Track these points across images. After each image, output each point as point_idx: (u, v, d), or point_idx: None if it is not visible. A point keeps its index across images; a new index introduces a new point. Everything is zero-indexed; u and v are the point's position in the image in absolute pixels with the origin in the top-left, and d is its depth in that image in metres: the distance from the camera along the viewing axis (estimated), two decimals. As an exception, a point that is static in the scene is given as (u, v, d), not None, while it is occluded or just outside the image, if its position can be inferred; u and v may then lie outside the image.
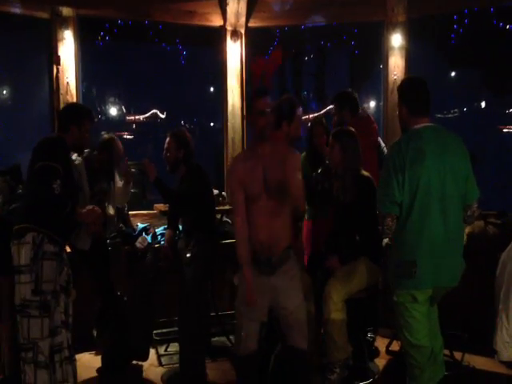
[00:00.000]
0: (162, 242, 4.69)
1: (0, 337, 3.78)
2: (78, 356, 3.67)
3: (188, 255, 4.06)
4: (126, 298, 4.32)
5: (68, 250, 3.68)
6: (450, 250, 3.13)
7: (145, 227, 5.03)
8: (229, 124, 5.80)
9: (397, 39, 5.53)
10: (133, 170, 4.28)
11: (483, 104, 21.62)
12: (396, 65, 5.58)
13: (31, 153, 3.35)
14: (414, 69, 5.68)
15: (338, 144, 3.85)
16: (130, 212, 5.03)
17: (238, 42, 5.74)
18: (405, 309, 3.16)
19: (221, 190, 5.32)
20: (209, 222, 4.25)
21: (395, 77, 5.51)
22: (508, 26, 6.29)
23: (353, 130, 3.92)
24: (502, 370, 4.23)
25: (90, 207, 3.47)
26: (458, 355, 4.26)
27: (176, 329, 4.42)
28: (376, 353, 4.43)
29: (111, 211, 4.14)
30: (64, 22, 5.15)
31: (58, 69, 5.17)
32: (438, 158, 3.08)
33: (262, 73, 3.25)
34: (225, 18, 5.69)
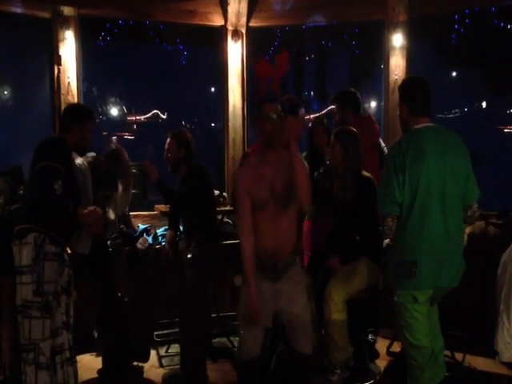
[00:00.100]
0: (163, 243, 4.69)
1: (1, 337, 3.78)
2: (78, 357, 3.67)
3: (189, 256, 4.05)
4: (126, 299, 4.32)
5: (69, 251, 3.68)
6: (451, 250, 3.13)
7: (146, 228, 5.02)
8: (230, 124, 5.79)
9: (398, 39, 5.52)
10: (134, 170, 4.27)
11: (484, 104, 21.61)
12: (397, 64, 5.57)
13: (33, 153, 3.35)
14: (415, 69, 5.68)
15: (339, 143, 3.84)
16: (131, 213, 5.03)
17: (239, 42, 5.73)
18: (405, 309, 3.15)
19: (222, 191, 5.32)
20: (210, 222, 4.25)
21: (396, 77, 5.50)
22: (509, 26, 6.28)
23: (354, 130, 3.91)
24: (503, 370, 4.22)
25: (92, 208, 3.47)
26: (458, 356, 4.26)
27: (177, 330, 4.43)
28: (377, 354, 4.43)
29: (112, 216, 4.14)
30: (65, 22, 5.15)
31: (59, 69, 5.17)
32: (438, 158, 3.08)
33: (269, 79, 3.23)
34: (226, 18, 5.68)
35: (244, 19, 5.69)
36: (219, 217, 4.89)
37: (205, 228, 4.15)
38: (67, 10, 5.16)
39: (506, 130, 20.64)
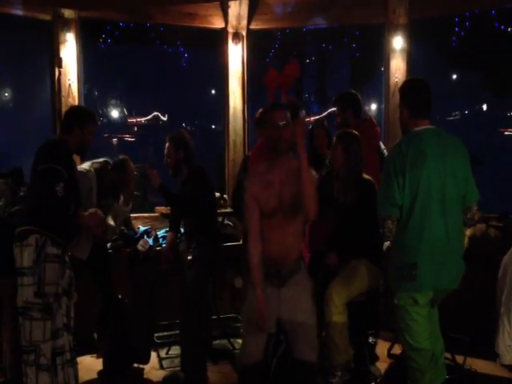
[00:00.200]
0: (164, 245, 4.69)
1: (2, 339, 3.78)
2: (79, 359, 3.66)
3: (189, 257, 4.05)
4: (127, 301, 4.31)
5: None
6: (451, 252, 3.13)
7: (146, 230, 5.03)
8: (230, 126, 5.80)
9: (398, 41, 5.53)
10: (135, 172, 4.28)
11: (484, 106, 21.63)
12: (397, 67, 5.58)
13: (34, 155, 3.35)
14: (416, 71, 5.68)
15: (341, 145, 3.85)
16: (132, 214, 5.03)
17: (240, 45, 5.74)
18: (405, 312, 3.15)
19: (222, 193, 5.32)
20: (210, 224, 4.25)
21: (396, 79, 5.51)
22: (509, 29, 6.29)
23: (357, 132, 3.91)
24: (504, 373, 4.21)
25: (93, 210, 3.47)
26: (459, 358, 4.24)
27: (177, 332, 4.43)
28: (376, 357, 4.42)
29: (111, 222, 4.14)
30: (66, 24, 5.16)
31: (59, 71, 5.18)
32: (438, 161, 3.08)
33: (277, 87, 3.23)
34: (226, 21, 5.69)
35: (244, 22, 5.70)
36: (220, 219, 4.90)
37: (205, 230, 4.16)
38: (68, 13, 5.17)
39: (506, 133, 20.65)
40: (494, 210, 5.18)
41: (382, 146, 4.64)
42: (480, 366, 4.28)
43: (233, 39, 5.72)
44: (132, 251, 4.74)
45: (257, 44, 6.02)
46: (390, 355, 4.44)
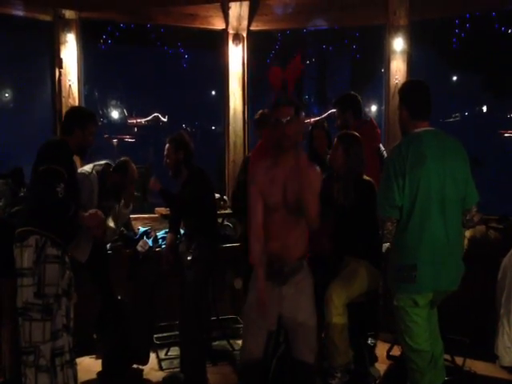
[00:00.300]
0: (163, 246, 4.69)
1: (1, 340, 3.78)
2: (78, 360, 3.66)
3: (189, 258, 4.05)
4: (126, 302, 4.31)
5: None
6: (450, 253, 3.13)
7: (146, 231, 5.03)
8: (230, 128, 5.80)
9: (398, 43, 5.53)
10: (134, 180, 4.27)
11: (484, 108, 21.65)
12: (398, 69, 5.58)
13: (34, 156, 3.35)
14: (416, 73, 5.68)
15: (341, 146, 3.84)
16: (132, 215, 5.03)
17: (240, 46, 5.74)
18: (405, 313, 3.15)
19: (222, 194, 5.32)
20: (210, 225, 4.25)
21: (397, 81, 5.51)
22: (509, 30, 6.30)
23: (357, 134, 3.91)
24: (504, 375, 4.21)
25: (93, 211, 3.48)
26: (459, 360, 4.24)
27: (176, 333, 4.42)
28: (376, 358, 4.42)
29: (111, 224, 4.14)
30: (66, 25, 5.16)
31: (60, 72, 5.18)
32: (438, 162, 3.08)
33: (283, 82, 3.22)
34: (227, 22, 5.70)
35: (245, 23, 5.70)
36: (219, 220, 4.90)
37: (205, 231, 4.16)
38: (69, 13, 5.17)
39: (506, 135, 20.66)
40: (493, 211, 5.18)
41: (382, 148, 4.64)
42: (479, 367, 4.27)
43: (233, 40, 5.72)
44: (131, 252, 4.75)
45: (257, 45, 6.03)
46: (389, 357, 4.44)
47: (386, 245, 3.74)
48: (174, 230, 4.44)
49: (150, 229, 5.11)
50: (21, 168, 4.28)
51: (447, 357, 3.90)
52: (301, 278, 3.10)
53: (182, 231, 4.51)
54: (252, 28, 5.78)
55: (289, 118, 3.00)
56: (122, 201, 4.19)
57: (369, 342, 4.38)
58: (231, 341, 4.75)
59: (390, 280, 3.26)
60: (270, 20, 5.83)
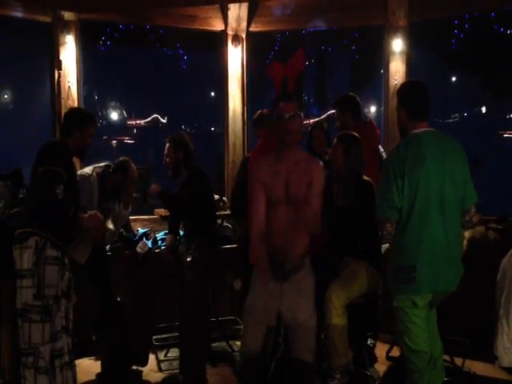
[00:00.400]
0: (163, 247, 4.69)
1: (0, 341, 3.77)
2: (77, 361, 3.65)
3: (188, 259, 4.05)
4: (126, 303, 4.31)
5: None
6: (450, 254, 3.13)
7: (145, 232, 5.03)
8: (230, 129, 5.80)
9: (398, 44, 5.53)
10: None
11: (484, 109, 21.66)
12: (397, 69, 5.58)
13: (34, 157, 3.35)
14: (415, 73, 5.69)
15: (341, 146, 3.85)
16: (131, 217, 5.03)
17: (239, 47, 5.75)
18: (404, 314, 3.15)
19: (222, 195, 5.32)
20: (209, 226, 4.25)
21: (396, 81, 5.51)
22: (509, 31, 6.30)
23: (357, 134, 3.91)
24: (503, 375, 4.22)
25: (93, 213, 3.48)
26: (458, 361, 4.24)
27: (176, 334, 4.42)
28: (375, 358, 4.42)
29: (110, 226, 4.14)
30: (66, 27, 5.16)
31: (59, 73, 5.18)
32: (437, 163, 3.08)
33: (284, 79, 3.22)
34: (226, 23, 5.70)
35: (244, 24, 5.71)
36: (219, 221, 4.90)
37: (204, 232, 4.15)
38: (68, 15, 5.17)
39: (505, 135, 20.67)
40: (493, 212, 5.18)
41: (381, 149, 4.64)
42: (479, 368, 4.28)
43: (232, 41, 5.72)
44: (131, 253, 4.75)
45: (256, 46, 6.03)
46: (388, 357, 4.44)
47: (386, 245, 3.74)
48: (173, 231, 4.44)
49: (149, 230, 5.11)
50: (20, 169, 4.28)
51: (446, 357, 3.90)
52: (302, 277, 3.11)
53: (181, 232, 4.50)
54: (251, 29, 5.78)
55: (291, 113, 3.02)
56: (121, 203, 4.19)
57: (368, 342, 4.38)
58: (231, 342, 4.75)
59: (389, 281, 3.27)
60: (269, 21, 5.83)
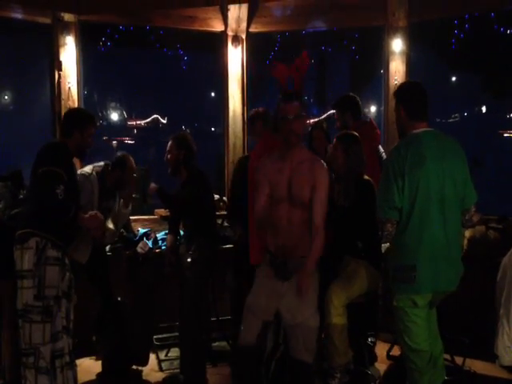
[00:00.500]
0: (163, 247, 4.69)
1: (1, 341, 3.78)
2: (78, 361, 3.65)
3: (189, 260, 4.06)
4: (126, 303, 4.31)
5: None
6: (450, 254, 3.13)
7: (146, 232, 5.03)
8: (230, 129, 5.80)
9: (398, 44, 5.54)
10: (134, 174, 4.27)
11: (484, 109, 21.65)
12: (397, 69, 5.58)
13: (34, 158, 3.36)
14: (415, 73, 5.69)
15: (340, 146, 3.85)
16: (131, 217, 5.03)
17: (239, 48, 5.75)
18: (404, 313, 3.15)
19: (222, 195, 5.33)
20: (209, 226, 4.26)
21: (396, 82, 5.51)
22: (508, 31, 6.31)
23: (357, 134, 3.92)
24: (503, 374, 4.22)
25: (93, 213, 3.49)
26: (458, 360, 4.24)
27: (176, 334, 4.43)
28: (375, 357, 4.43)
29: (110, 225, 4.14)
30: (66, 28, 5.16)
31: (59, 74, 5.18)
32: (437, 163, 3.08)
33: (289, 79, 3.25)
34: (226, 24, 5.69)
35: (244, 25, 5.71)
36: (219, 221, 4.90)
37: (204, 232, 4.16)
38: (68, 16, 5.17)
39: (505, 135, 20.66)
40: (493, 211, 5.18)
41: (381, 150, 4.65)
42: (479, 367, 4.28)
43: (232, 42, 5.72)
44: (131, 253, 4.75)
45: (256, 47, 6.03)
46: (389, 357, 4.44)
47: (386, 245, 3.75)
48: (173, 231, 4.45)
49: (149, 230, 5.10)
50: (20, 170, 4.28)
51: (447, 356, 3.90)
52: None
53: (181, 232, 4.51)
54: (251, 30, 5.78)
55: (296, 114, 3.03)
56: (122, 201, 4.19)
57: (368, 341, 4.39)
58: (231, 342, 4.75)
59: (389, 280, 3.27)
60: (268, 22, 5.83)
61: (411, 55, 5.67)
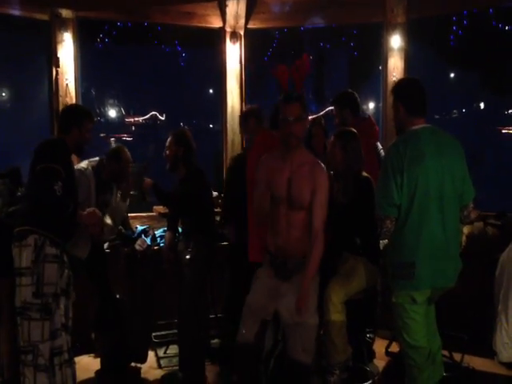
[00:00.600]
0: (162, 244, 4.69)
1: (0, 339, 3.77)
2: (77, 358, 3.65)
3: (187, 257, 4.06)
4: (125, 300, 4.31)
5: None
6: (448, 250, 3.13)
7: (144, 229, 5.02)
8: (228, 126, 5.79)
9: (396, 40, 5.53)
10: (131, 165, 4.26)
11: (482, 105, 21.65)
12: (395, 66, 5.57)
13: (32, 155, 3.35)
14: (414, 70, 5.68)
15: (339, 143, 3.84)
16: (130, 214, 5.03)
17: (238, 44, 5.73)
18: (403, 310, 3.15)
19: (220, 192, 5.31)
20: (208, 224, 4.26)
21: (394, 78, 5.49)
22: (507, 27, 6.31)
23: (355, 130, 3.91)
24: (502, 370, 4.23)
25: (91, 210, 3.48)
26: (457, 356, 4.25)
27: (175, 331, 4.42)
28: (374, 353, 4.43)
29: (108, 221, 4.14)
30: (63, 24, 5.14)
31: (57, 71, 5.16)
32: (436, 159, 3.08)
33: (290, 80, 3.26)
34: (224, 20, 5.68)
35: (242, 21, 5.69)
36: (217, 218, 4.89)
37: (203, 229, 4.16)
38: (66, 12, 5.15)
39: (504, 131, 20.67)
40: (491, 208, 5.18)
41: (380, 146, 4.64)
42: (478, 363, 4.29)
43: (231, 38, 5.71)
44: (130, 251, 4.73)
45: (255, 43, 6.02)
46: (387, 353, 4.45)
47: (384, 241, 3.75)
48: (172, 228, 4.45)
49: (148, 227, 5.10)
50: (18, 167, 4.27)
51: (445, 353, 3.91)
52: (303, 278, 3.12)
53: (180, 230, 4.50)
54: (249, 26, 5.77)
55: (296, 116, 3.03)
56: (119, 195, 4.19)
57: (367, 337, 4.39)
58: (221, 340, 4.73)
59: (388, 277, 3.27)
60: (267, 18, 5.82)
61: (410, 52, 5.66)
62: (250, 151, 4.14)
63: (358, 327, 4.00)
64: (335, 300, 3.61)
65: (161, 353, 4.64)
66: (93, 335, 4.31)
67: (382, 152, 4.50)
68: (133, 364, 4.27)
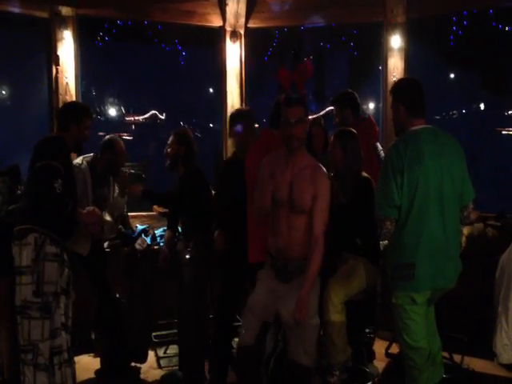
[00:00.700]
0: (162, 244, 4.68)
1: (-1, 338, 3.77)
2: (76, 358, 3.66)
3: (187, 257, 4.05)
4: (124, 300, 4.30)
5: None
6: (448, 251, 3.13)
7: (144, 229, 5.02)
8: (228, 125, 5.77)
9: (396, 40, 5.52)
10: (132, 171, 4.26)
11: (482, 106, 21.64)
12: (395, 66, 5.57)
13: (31, 153, 3.34)
14: (413, 70, 5.68)
15: (338, 143, 3.84)
16: (130, 213, 5.03)
17: (238, 43, 5.73)
18: (403, 311, 3.15)
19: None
20: (207, 224, 4.24)
21: (394, 78, 5.49)
22: (507, 28, 6.30)
23: (354, 131, 3.91)
24: (502, 372, 4.23)
25: (91, 208, 3.50)
26: (457, 358, 4.25)
27: (175, 331, 4.42)
28: (374, 354, 4.42)
29: (108, 217, 4.13)
30: (63, 22, 5.14)
31: (57, 69, 5.16)
32: (436, 159, 3.08)
33: (292, 84, 3.29)
34: (224, 19, 5.68)
35: (242, 20, 5.69)
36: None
37: (203, 229, 4.15)
38: (65, 10, 5.15)
39: (503, 132, 20.67)
40: (491, 209, 5.18)
41: (379, 147, 4.63)
42: (478, 365, 4.29)
43: (231, 37, 5.71)
44: (130, 250, 4.74)
45: (255, 42, 6.01)
46: (387, 354, 4.45)
47: (384, 242, 3.74)
48: (172, 227, 4.44)
49: (148, 227, 5.10)
50: (17, 165, 4.26)
51: (445, 354, 3.90)
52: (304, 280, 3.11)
53: (180, 229, 4.49)
54: (249, 25, 5.77)
55: (298, 118, 3.03)
56: (117, 190, 4.18)
57: (367, 335, 4.38)
58: (211, 342, 4.73)
59: (388, 278, 3.26)
60: (267, 17, 5.82)
61: (410, 52, 5.66)
62: (249, 151, 4.12)
63: (357, 328, 4.00)
64: (335, 300, 3.60)
65: (161, 353, 4.63)
66: (93, 335, 4.31)
67: (382, 152, 4.49)
68: (133, 364, 4.26)
